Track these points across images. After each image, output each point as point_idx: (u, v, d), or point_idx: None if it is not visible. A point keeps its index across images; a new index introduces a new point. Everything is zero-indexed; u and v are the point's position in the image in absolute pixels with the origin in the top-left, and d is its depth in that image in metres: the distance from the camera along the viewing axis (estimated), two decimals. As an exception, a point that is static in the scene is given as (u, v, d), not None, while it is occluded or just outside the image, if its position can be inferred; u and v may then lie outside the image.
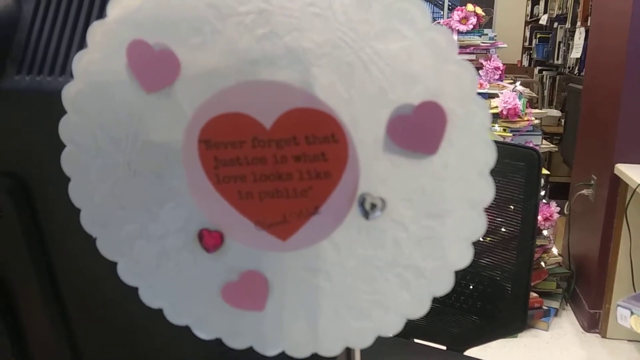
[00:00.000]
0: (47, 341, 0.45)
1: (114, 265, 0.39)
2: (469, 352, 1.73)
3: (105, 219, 0.38)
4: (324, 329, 0.38)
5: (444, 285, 0.36)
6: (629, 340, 2.66)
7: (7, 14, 0.39)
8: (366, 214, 0.35)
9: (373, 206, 0.35)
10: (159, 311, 0.39)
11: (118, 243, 0.38)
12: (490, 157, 0.33)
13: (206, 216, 0.37)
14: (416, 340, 1.79)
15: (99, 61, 0.35)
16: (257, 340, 0.39)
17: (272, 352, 0.39)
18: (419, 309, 0.36)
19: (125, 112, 0.35)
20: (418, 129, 0.33)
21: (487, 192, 0.33)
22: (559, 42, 4.47)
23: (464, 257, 0.35)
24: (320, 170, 0.35)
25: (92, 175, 0.37)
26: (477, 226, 0.34)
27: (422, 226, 0.35)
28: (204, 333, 0.39)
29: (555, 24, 4.63)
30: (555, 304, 2.85)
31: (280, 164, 0.35)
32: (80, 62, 0.35)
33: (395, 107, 0.33)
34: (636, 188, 2.28)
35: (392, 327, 0.37)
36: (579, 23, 3.85)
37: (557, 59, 4.52)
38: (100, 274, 0.41)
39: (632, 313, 1.15)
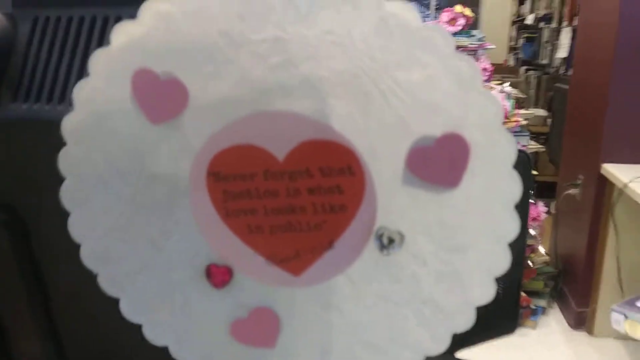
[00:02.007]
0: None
1: (114, 300, 0.37)
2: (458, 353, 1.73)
3: (106, 254, 0.36)
4: (337, 366, 0.36)
5: (465, 321, 0.34)
6: (615, 338, 2.68)
7: (2, 37, 0.36)
8: (383, 249, 0.34)
9: (391, 240, 0.34)
10: (159, 349, 0.37)
11: (120, 278, 0.36)
12: (515, 189, 0.32)
13: (214, 250, 0.35)
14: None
15: (101, 90, 0.33)
16: (267, 377, 0.37)
17: (283, 390, 0.37)
18: (438, 346, 0.35)
19: (130, 143, 0.33)
20: (439, 161, 0.32)
21: (511, 225, 0.32)
22: (545, 42, 4.49)
23: (486, 293, 0.34)
24: (335, 204, 0.33)
25: (93, 209, 0.35)
26: (501, 261, 0.33)
27: (442, 261, 0.34)
28: (212, 371, 0.37)
29: (542, 24, 4.64)
30: (542, 303, 2.86)
31: (293, 197, 0.33)
32: (82, 91, 0.33)
33: (416, 139, 0.32)
34: (623, 188, 2.29)
35: (409, 364, 0.35)
36: (565, 23, 3.86)
37: (543, 59, 4.53)
38: (101, 308, 0.39)
39: (626, 317, 1.16)
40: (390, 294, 0.35)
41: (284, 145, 0.32)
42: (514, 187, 0.32)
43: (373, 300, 0.35)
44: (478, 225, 0.33)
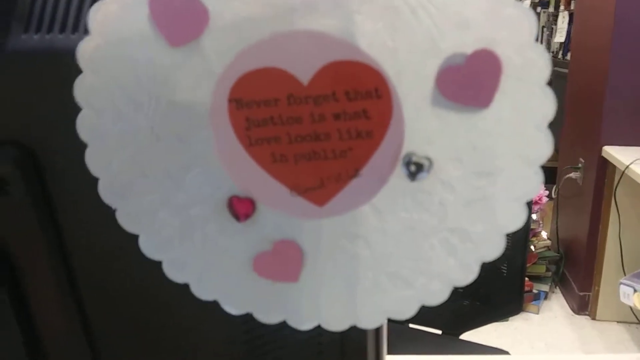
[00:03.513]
0: (59, 328, 0.42)
1: (133, 239, 0.36)
2: (462, 336, 1.73)
3: (125, 189, 0.35)
4: (363, 300, 0.35)
5: (494, 249, 0.33)
6: (618, 322, 2.68)
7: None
8: (411, 176, 0.33)
9: (419, 166, 0.33)
10: (179, 291, 0.36)
11: (139, 214, 0.35)
12: (549, 108, 0.31)
13: (236, 182, 0.34)
14: (411, 326, 1.78)
15: (117, 13, 0.32)
16: (290, 314, 0.36)
17: (306, 326, 0.36)
18: (466, 276, 0.34)
19: (147, 70, 0.32)
20: (470, 80, 0.31)
21: (544, 147, 0.31)
22: (543, 27, 4.49)
23: (516, 219, 0.33)
24: (361, 129, 0.32)
25: (111, 141, 0.34)
26: (532, 185, 0.32)
27: (472, 186, 0.33)
28: (233, 308, 0.36)
29: (539, 9, 4.64)
30: (545, 287, 2.87)
31: (317, 123, 0.32)
32: (97, 14, 0.32)
33: (446, 57, 0.31)
34: (624, 170, 2.29)
35: (436, 296, 0.35)
36: (562, 7, 3.86)
37: (541, 44, 4.53)
38: (118, 250, 0.38)
39: (635, 290, 1.15)
40: (417, 223, 0.34)
41: (308, 67, 0.31)
42: (548, 105, 0.31)
43: (400, 230, 0.34)
44: (509, 148, 0.32)
